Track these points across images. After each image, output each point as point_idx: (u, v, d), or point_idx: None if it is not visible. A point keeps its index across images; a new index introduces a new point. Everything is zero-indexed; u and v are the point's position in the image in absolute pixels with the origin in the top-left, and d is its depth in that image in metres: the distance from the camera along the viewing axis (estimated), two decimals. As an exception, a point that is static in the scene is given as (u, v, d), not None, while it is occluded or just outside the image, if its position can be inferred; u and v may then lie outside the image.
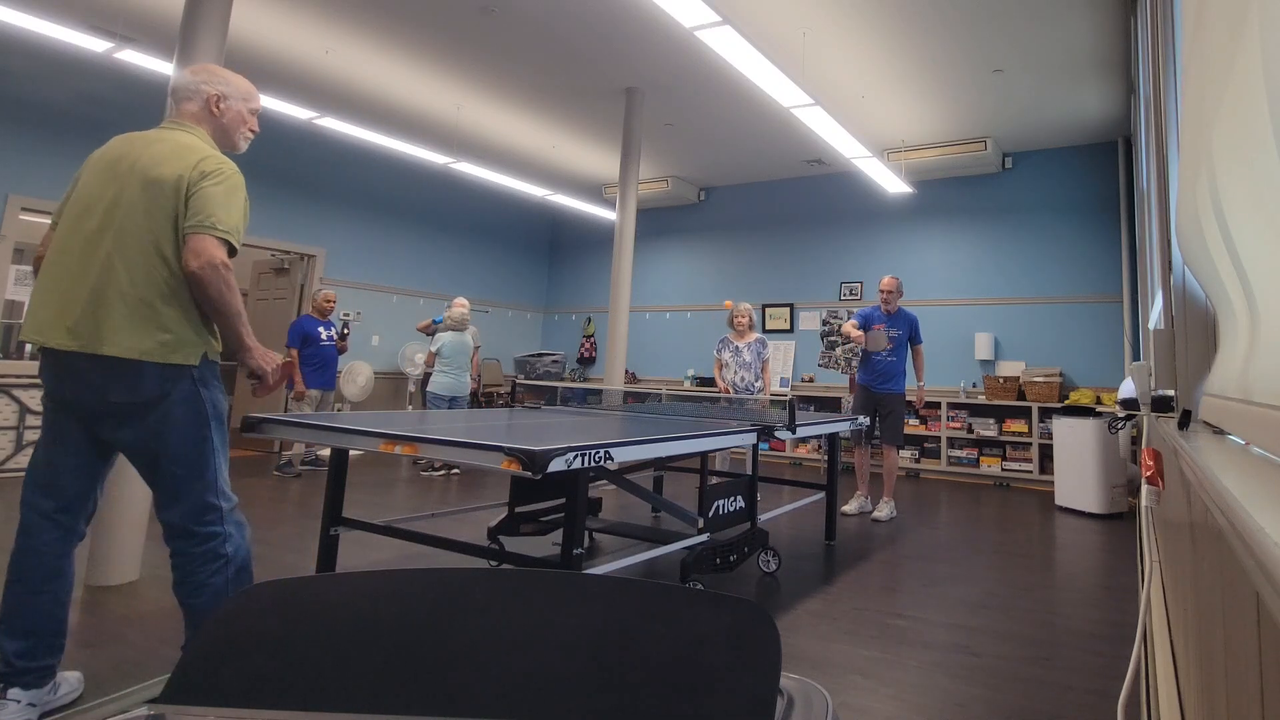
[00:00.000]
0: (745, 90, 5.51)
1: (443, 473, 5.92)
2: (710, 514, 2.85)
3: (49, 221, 1.93)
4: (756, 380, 5.25)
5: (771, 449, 7.64)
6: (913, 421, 6.92)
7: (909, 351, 5.01)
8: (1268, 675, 0.48)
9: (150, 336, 1.68)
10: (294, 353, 5.55)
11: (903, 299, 5.14)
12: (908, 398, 5.07)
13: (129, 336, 1.66)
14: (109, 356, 1.65)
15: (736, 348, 5.33)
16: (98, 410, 1.71)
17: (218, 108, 1.91)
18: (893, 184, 6.97)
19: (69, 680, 1.87)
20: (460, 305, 6.15)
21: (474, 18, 4.98)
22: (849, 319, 5.23)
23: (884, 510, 4.86)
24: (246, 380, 1.85)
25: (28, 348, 5.79)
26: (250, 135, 2.00)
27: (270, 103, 5.68)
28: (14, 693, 1.67)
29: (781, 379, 8.14)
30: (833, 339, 8.05)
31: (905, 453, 6.94)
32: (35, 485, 1.76)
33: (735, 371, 5.28)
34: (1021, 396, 6.59)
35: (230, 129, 1.94)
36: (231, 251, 1.73)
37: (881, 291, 5.02)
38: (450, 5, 4.84)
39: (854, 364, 7.77)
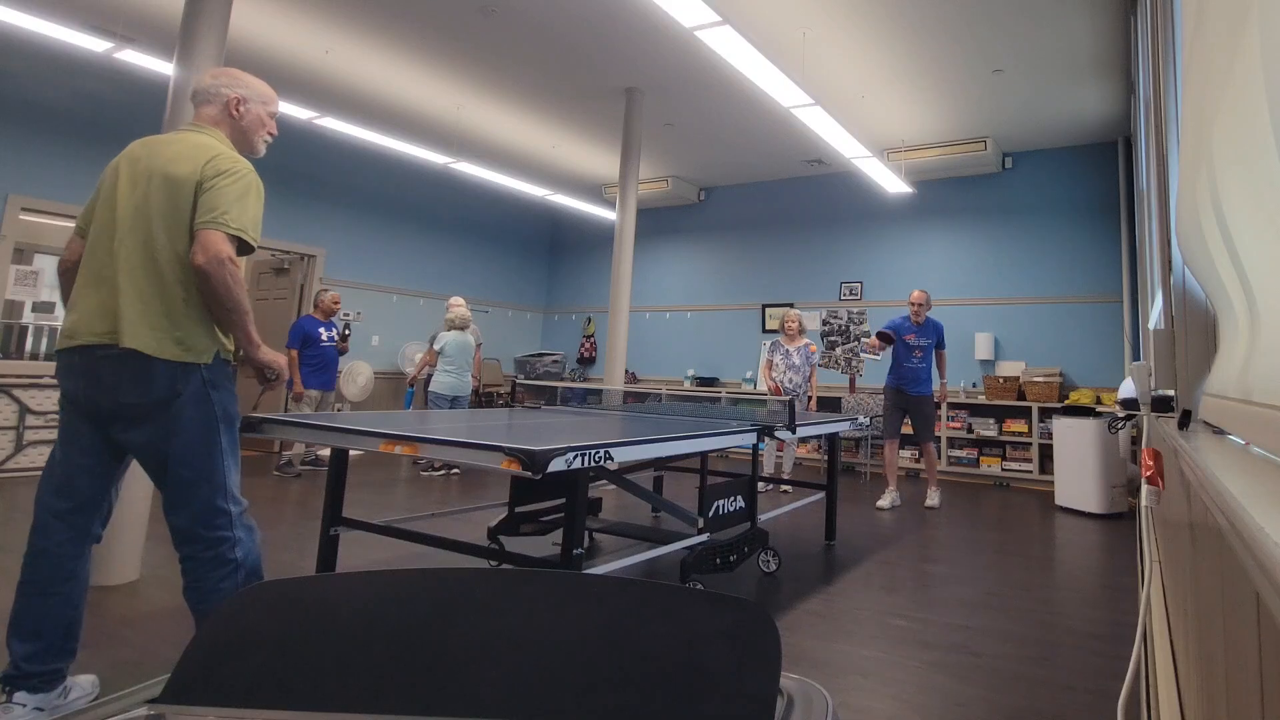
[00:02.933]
0: (745, 90, 5.51)
1: (443, 473, 5.92)
2: (710, 514, 2.85)
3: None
4: (805, 383, 5.73)
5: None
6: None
7: (935, 357, 5.41)
8: (1268, 675, 0.48)
9: (164, 334, 1.70)
10: (293, 354, 5.56)
11: (905, 300, 5.43)
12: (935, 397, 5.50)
13: (145, 333, 1.68)
14: (125, 351, 1.67)
15: (786, 351, 5.79)
16: (110, 411, 1.72)
17: (237, 110, 1.93)
18: (893, 184, 6.97)
19: (81, 684, 1.84)
20: (458, 304, 6.16)
21: (474, 18, 4.98)
22: (873, 334, 5.64)
23: (934, 498, 5.32)
24: (253, 378, 1.86)
25: (28, 346, 5.79)
26: (269, 138, 2.02)
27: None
28: (20, 696, 1.65)
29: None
30: (833, 339, 8.05)
31: (905, 453, 6.95)
32: (49, 486, 1.77)
33: (784, 373, 5.74)
34: (1021, 396, 6.59)
35: (249, 131, 1.96)
36: (245, 249, 1.75)
37: (911, 304, 5.36)
38: (450, 5, 4.84)
39: (855, 365, 7.83)
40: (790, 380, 5.72)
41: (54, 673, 1.71)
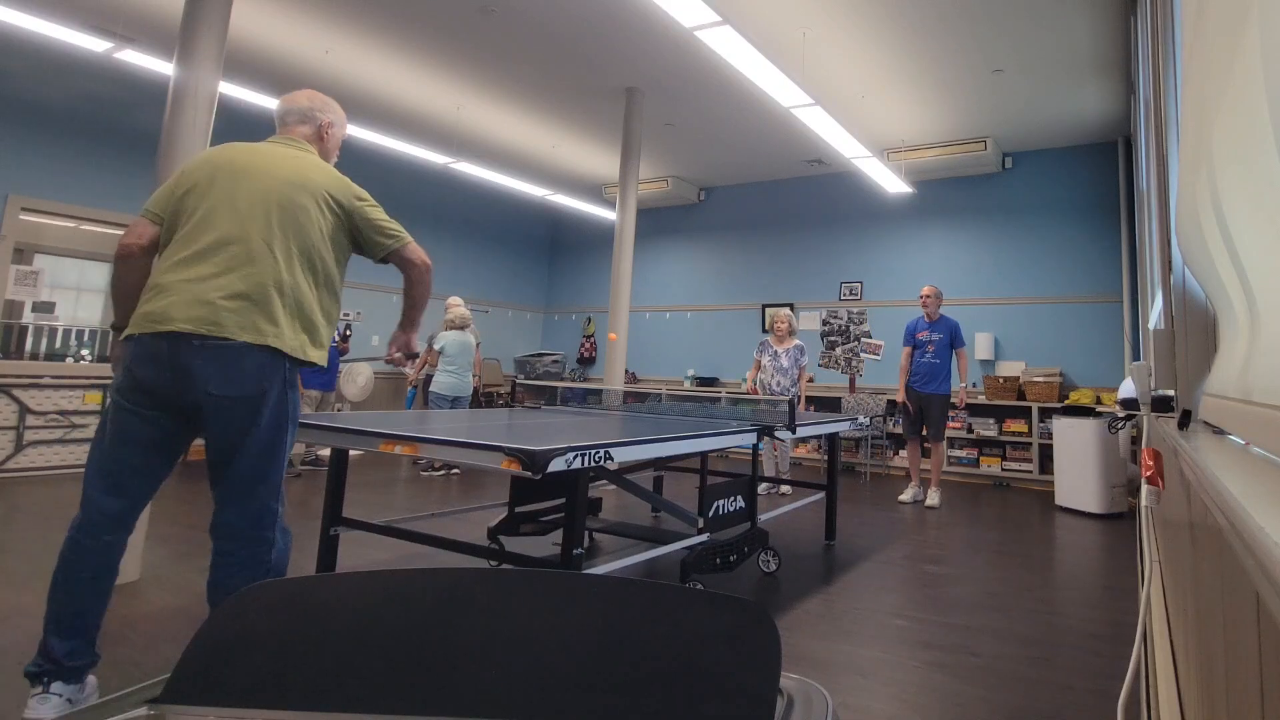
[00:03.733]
0: (745, 90, 5.51)
1: (443, 473, 5.92)
2: (710, 514, 2.84)
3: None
4: (793, 385, 5.57)
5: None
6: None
7: (951, 355, 5.39)
8: (1268, 675, 0.48)
9: (271, 330, 1.74)
10: None
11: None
12: (952, 398, 5.49)
13: (252, 327, 1.72)
14: (227, 343, 1.69)
15: (775, 352, 5.61)
16: (193, 401, 1.72)
17: (328, 134, 2.11)
18: (893, 184, 6.97)
19: (89, 682, 1.86)
20: (456, 304, 6.17)
21: (474, 18, 4.98)
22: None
23: (934, 498, 5.33)
24: (394, 355, 2.15)
25: (28, 346, 5.79)
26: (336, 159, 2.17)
27: (269, 103, 5.67)
28: (57, 686, 1.69)
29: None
30: (833, 339, 8.05)
31: (904, 453, 6.96)
32: (100, 485, 1.75)
33: (772, 375, 5.57)
34: (1021, 396, 6.59)
35: (330, 153, 2.13)
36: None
37: (921, 298, 5.47)
38: (450, 5, 4.84)
39: (855, 365, 7.83)
40: (778, 383, 5.53)
41: (89, 665, 1.75)
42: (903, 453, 6.94)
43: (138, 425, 1.75)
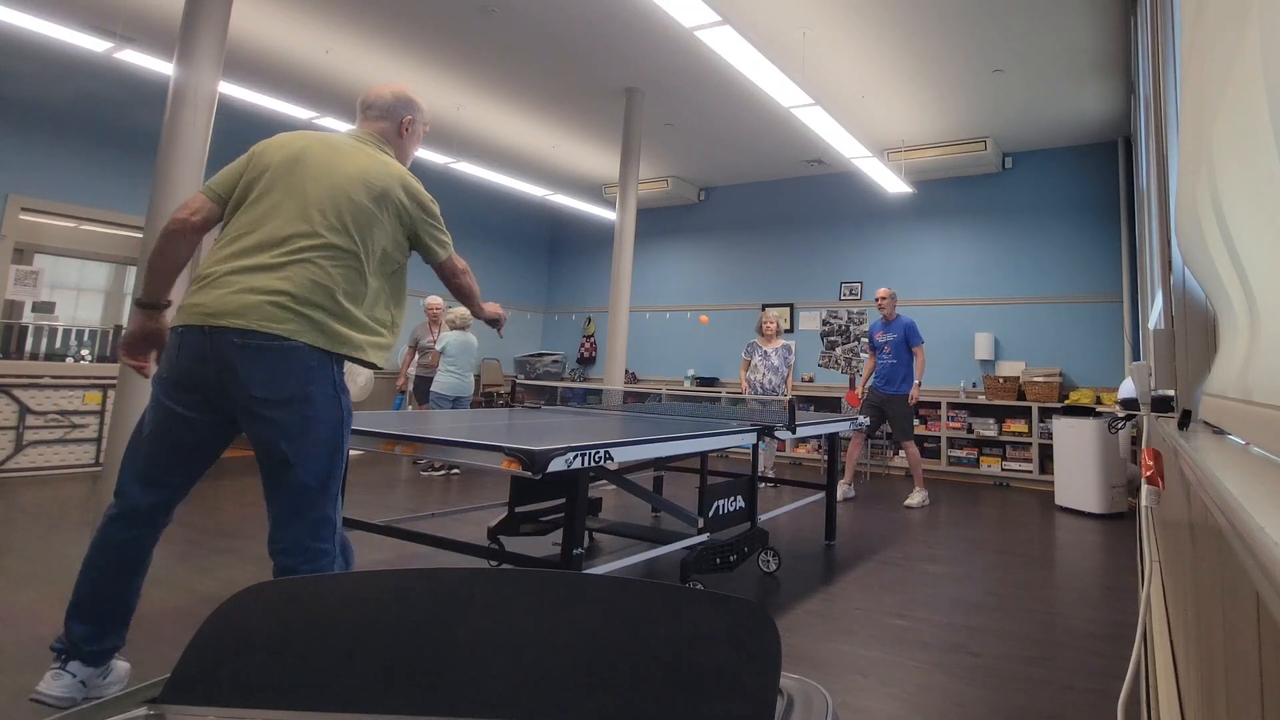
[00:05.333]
0: (745, 90, 5.51)
1: (443, 473, 5.92)
2: (710, 514, 2.84)
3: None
4: (782, 383, 5.73)
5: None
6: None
7: (909, 354, 5.40)
8: (1268, 675, 0.48)
9: (322, 330, 1.69)
10: None
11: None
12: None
13: (303, 326, 1.66)
14: (273, 341, 1.63)
15: (765, 352, 5.80)
16: (241, 400, 1.65)
17: (407, 130, 2.11)
18: (893, 184, 6.98)
19: (118, 669, 1.82)
20: (436, 304, 6.18)
21: (474, 18, 4.98)
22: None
23: (916, 498, 5.33)
24: (493, 314, 2.35)
25: (28, 346, 5.79)
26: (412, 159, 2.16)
27: (269, 103, 5.68)
28: (73, 666, 1.68)
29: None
30: (833, 339, 8.05)
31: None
32: (135, 478, 1.72)
33: (762, 374, 5.74)
34: (1021, 396, 6.59)
35: (408, 151, 2.12)
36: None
37: (877, 300, 5.55)
38: (450, 5, 4.84)
39: (855, 365, 7.84)
40: (769, 380, 5.75)
41: (109, 651, 1.74)
42: (902, 453, 6.94)
43: (177, 423, 1.70)
